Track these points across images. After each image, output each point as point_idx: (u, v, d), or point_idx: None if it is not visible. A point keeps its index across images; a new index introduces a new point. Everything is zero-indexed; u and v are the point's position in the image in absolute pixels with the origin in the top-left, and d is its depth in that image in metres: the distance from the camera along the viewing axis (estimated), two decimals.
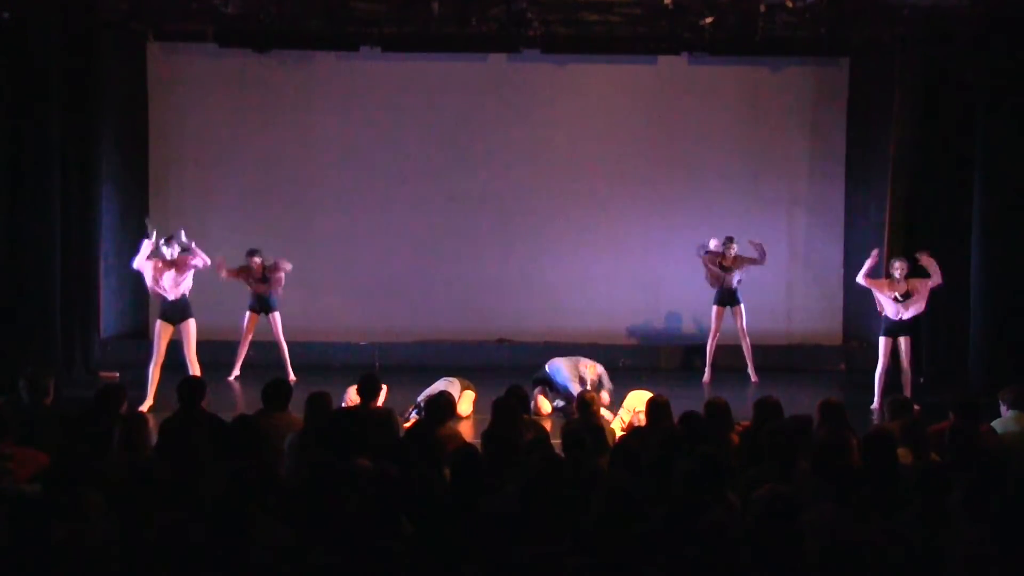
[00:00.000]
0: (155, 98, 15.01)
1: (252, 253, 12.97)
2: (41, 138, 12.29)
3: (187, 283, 11.69)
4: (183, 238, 11.90)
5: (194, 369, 11.56)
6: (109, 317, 14.23)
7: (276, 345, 13.07)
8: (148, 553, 4.89)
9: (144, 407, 10.74)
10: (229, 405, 11.20)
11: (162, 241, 11.73)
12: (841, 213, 15.30)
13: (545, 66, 14.70)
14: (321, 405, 7.54)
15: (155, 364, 11.42)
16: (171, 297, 11.61)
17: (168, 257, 11.60)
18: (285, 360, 12.97)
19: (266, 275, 12.96)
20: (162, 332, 11.57)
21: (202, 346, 12.06)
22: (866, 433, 6.57)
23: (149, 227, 12.25)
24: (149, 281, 11.70)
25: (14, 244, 12.19)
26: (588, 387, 10.97)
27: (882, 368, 11.90)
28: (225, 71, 14.84)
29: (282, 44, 14.21)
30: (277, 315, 13.03)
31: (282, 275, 12.96)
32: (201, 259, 11.77)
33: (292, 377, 12.48)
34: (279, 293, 13.01)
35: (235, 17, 12.96)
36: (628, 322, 14.83)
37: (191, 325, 11.65)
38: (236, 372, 13.14)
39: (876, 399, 11.74)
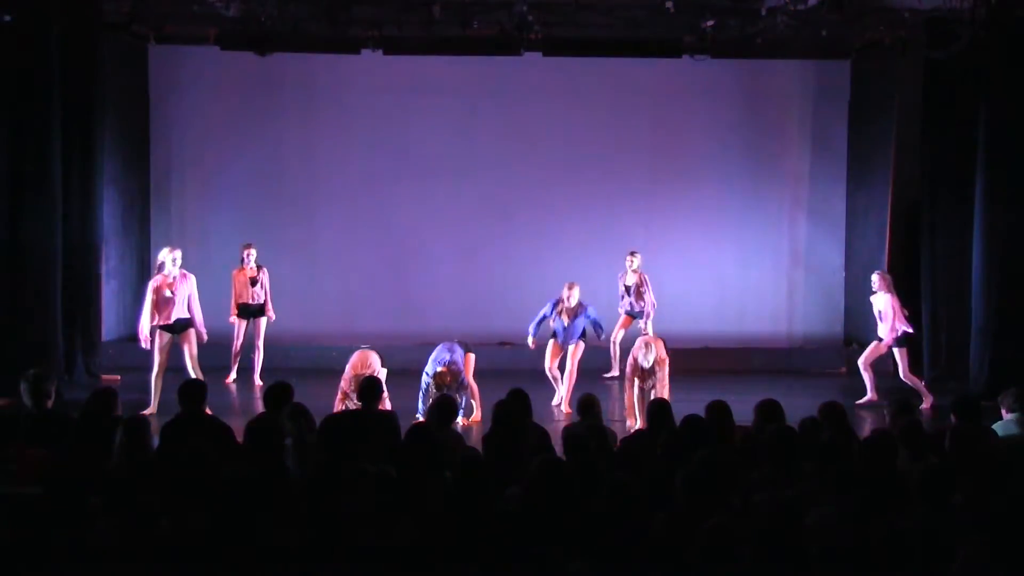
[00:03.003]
0: (156, 101, 15.03)
1: (248, 245, 13.12)
2: (42, 141, 12.29)
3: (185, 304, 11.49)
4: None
5: (197, 375, 11.52)
6: (110, 320, 14.23)
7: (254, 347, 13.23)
8: (149, 557, 4.90)
9: (147, 412, 10.72)
10: (226, 407, 11.26)
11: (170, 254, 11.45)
12: (842, 215, 15.31)
13: (546, 69, 14.70)
14: (302, 415, 7.50)
15: (157, 373, 11.30)
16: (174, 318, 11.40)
17: (167, 271, 11.36)
18: (256, 363, 13.19)
19: (255, 279, 13.05)
20: (161, 341, 11.39)
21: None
22: (867, 435, 6.57)
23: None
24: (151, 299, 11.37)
25: (16, 247, 12.19)
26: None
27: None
28: (226, 74, 14.85)
29: (283, 47, 14.20)
30: (263, 320, 13.20)
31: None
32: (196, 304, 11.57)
33: (259, 383, 12.91)
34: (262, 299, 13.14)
35: (236, 20, 12.96)
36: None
37: (192, 335, 11.46)
38: (233, 375, 13.25)
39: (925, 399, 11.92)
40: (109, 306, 14.14)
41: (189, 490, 5.48)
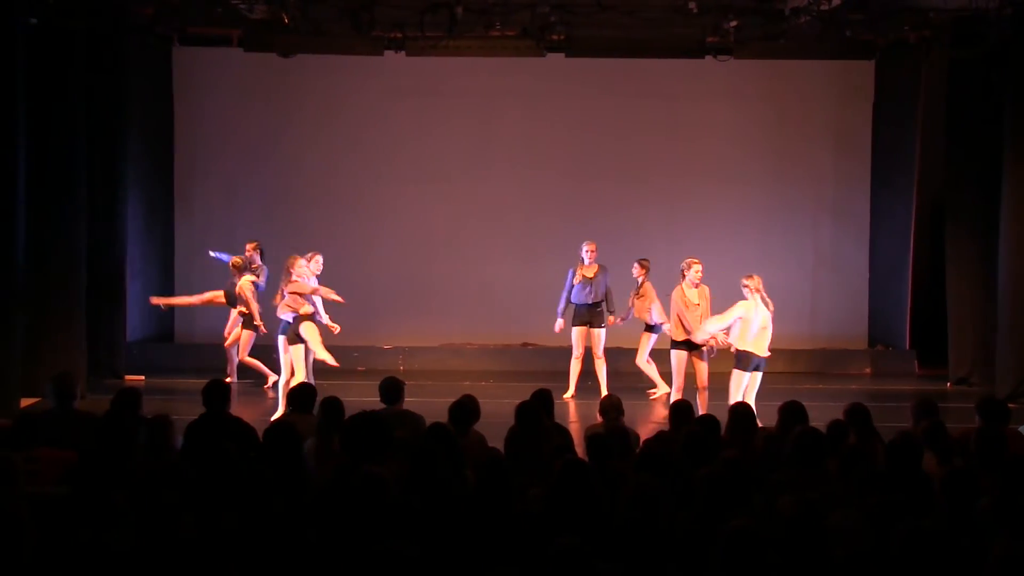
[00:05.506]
0: (180, 103, 15.10)
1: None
2: (67, 143, 12.36)
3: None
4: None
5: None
6: (134, 321, 14.30)
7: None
8: (173, 556, 4.91)
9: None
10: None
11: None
12: (867, 216, 15.24)
13: (568, 70, 14.68)
14: (335, 410, 7.51)
15: (287, 382, 11.22)
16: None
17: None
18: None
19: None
20: (296, 352, 11.48)
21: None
22: (892, 438, 6.53)
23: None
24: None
25: (41, 249, 12.25)
26: None
27: None
28: (250, 76, 14.90)
29: (306, 49, 14.24)
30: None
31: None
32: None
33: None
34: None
35: (260, 22, 13.00)
36: None
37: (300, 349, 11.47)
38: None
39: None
40: (133, 307, 14.20)
41: (213, 490, 5.49)
